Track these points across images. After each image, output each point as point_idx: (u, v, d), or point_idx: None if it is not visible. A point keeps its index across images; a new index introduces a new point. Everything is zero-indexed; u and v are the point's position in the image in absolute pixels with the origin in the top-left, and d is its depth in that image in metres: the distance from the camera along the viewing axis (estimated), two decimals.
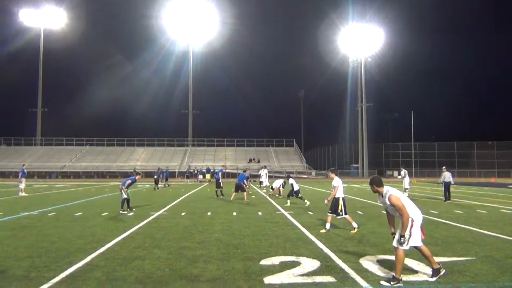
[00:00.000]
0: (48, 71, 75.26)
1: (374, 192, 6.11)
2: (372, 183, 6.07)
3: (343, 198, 10.12)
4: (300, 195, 17.11)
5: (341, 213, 9.99)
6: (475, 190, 26.88)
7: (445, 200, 18.55)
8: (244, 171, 21.71)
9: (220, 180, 21.11)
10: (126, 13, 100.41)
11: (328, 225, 10.08)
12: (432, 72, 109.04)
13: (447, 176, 18.97)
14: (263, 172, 31.38)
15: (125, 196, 14.28)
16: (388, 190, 5.92)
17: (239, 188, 18.48)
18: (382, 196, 5.96)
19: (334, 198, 10.05)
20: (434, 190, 28.44)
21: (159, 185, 30.11)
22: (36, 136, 72.87)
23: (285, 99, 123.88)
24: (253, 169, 52.16)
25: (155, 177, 30.72)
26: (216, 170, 22.52)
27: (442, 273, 5.81)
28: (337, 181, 10.13)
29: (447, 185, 18.84)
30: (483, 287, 5.50)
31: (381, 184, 6.01)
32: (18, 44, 72.57)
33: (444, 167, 19.86)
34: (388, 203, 5.83)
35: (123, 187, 14.31)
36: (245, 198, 18.29)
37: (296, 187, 17.22)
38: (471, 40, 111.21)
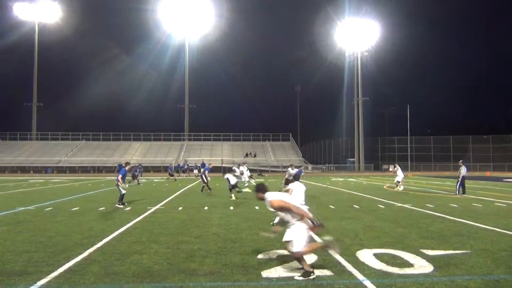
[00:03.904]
0: (43, 65, 74.69)
1: (259, 199, 6.14)
2: (256, 191, 6.12)
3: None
4: (237, 188, 17.66)
5: None
6: (470, 184, 27.02)
7: (457, 194, 18.55)
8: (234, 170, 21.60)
9: (205, 176, 20.99)
10: (121, 6, 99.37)
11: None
12: (428, 66, 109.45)
13: (464, 170, 19.03)
14: (243, 168, 30.13)
15: (124, 191, 14.36)
16: (267, 196, 5.96)
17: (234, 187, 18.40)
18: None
19: None
20: (429, 184, 28.59)
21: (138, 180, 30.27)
22: (31, 131, 72.46)
23: (282, 93, 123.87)
24: (250, 163, 52.14)
25: (135, 173, 30.82)
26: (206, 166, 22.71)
27: (311, 277, 5.63)
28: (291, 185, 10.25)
29: (463, 179, 18.90)
30: (478, 280, 5.56)
31: (263, 191, 6.03)
32: (12, 38, 71.71)
33: (461, 161, 19.86)
34: (272, 209, 5.93)
35: (119, 182, 14.36)
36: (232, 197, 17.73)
37: (232, 181, 17.50)
38: (467, 34, 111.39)
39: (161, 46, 78.40)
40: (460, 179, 18.81)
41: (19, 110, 76.23)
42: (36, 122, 72.95)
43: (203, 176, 21.06)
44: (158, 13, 72.63)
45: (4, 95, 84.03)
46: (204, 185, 21.00)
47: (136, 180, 30.11)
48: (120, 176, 14.50)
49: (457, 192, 18.74)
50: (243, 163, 31.16)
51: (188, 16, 71.86)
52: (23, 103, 73.61)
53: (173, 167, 38.97)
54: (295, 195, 10.04)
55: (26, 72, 75.27)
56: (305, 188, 10.23)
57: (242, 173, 29.00)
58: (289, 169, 20.85)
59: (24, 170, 57.74)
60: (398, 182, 22.29)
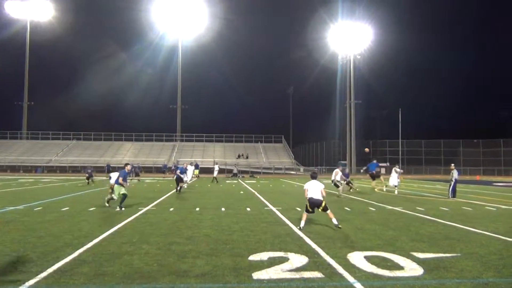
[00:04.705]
0: (34, 64, 74.02)
1: None
2: None
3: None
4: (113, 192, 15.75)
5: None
6: (461, 188, 27.23)
7: (450, 198, 18.61)
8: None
9: (181, 176, 21.42)
10: (114, 6, 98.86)
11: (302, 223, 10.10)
12: (419, 70, 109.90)
13: (456, 173, 19.11)
14: (192, 168, 30.00)
15: (115, 197, 14.00)
16: None
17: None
18: None
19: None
20: (420, 187, 28.78)
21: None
22: (22, 130, 71.81)
23: (274, 95, 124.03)
24: (242, 165, 52.14)
25: (89, 171, 29.01)
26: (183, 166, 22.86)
27: None
28: (306, 185, 10.20)
29: (454, 183, 18.99)
30: (468, 283, 5.61)
31: None
32: (4, 36, 71.10)
33: (452, 164, 19.94)
34: None
35: (124, 183, 13.73)
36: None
37: (113, 180, 15.60)
38: (458, 38, 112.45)
39: (154, 46, 78.24)
40: (453, 182, 18.87)
41: (10, 109, 75.50)
42: (27, 121, 72.33)
43: (178, 175, 21.22)
44: (151, 13, 72.44)
45: None
46: (181, 184, 21.38)
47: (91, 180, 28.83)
48: (121, 178, 13.74)
49: (449, 195, 18.82)
50: (191, 163, 31.60)
51: (182, 16, 71.73)
52: (13, 102, 73.00)
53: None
54: (311, 193, 9.96)
55: (17, 70, 74.62)
56: (323, 186, 10.08)
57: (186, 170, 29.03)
58: (337, 169, 20.79)
59: (14, 169, 57.16)
60: (395, 185, 22.14)
